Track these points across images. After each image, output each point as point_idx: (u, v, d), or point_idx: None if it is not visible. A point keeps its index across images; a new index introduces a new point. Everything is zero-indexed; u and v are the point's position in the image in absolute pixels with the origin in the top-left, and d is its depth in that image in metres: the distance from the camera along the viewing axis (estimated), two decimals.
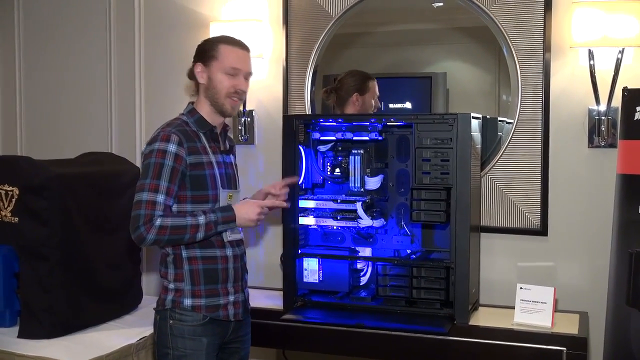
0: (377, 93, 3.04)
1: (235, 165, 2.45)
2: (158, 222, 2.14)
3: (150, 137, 2.25)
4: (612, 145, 2.71)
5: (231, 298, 2.32)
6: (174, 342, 2.24)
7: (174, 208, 2.23)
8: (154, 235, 2.14)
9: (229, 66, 2.29)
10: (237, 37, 2.37)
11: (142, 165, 2.23)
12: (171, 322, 2.25)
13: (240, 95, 2.33)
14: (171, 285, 2.27)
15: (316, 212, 2.75)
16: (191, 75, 2.36)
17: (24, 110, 3.78)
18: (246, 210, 2.29)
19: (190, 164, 2.22)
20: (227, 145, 2.41)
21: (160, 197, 2.16)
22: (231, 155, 2.42)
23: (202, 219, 2.20)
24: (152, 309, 2.37)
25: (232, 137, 2.52)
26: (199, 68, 2.31)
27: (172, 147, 2.19)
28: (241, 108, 3.18)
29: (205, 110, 2.32)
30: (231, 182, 2.37)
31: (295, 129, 2.70)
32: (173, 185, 2.19)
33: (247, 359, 2.49)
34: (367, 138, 2.70)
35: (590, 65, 2.67)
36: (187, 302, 2.25)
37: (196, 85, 2.36)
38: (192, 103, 2.36)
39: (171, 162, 2.18)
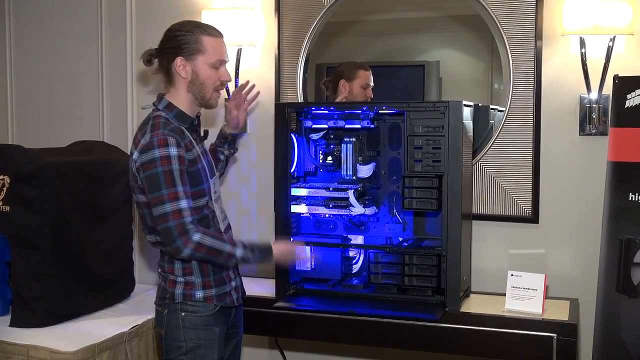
0: (370, 84, 3.04)
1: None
2: (196, 237, 2.11)
3: (143, 143, 2.14)
4: (603, 133, 2.72)
5: (233, 283, 2.34)
6: (186, 334, 2.23)
7: None
8: (190, 251, 2.11)
9: (216, 59, 2.24)
10: (212, 24, 2.32)
11: (146, 175, 2.12)
12: (183, 314, 2.23)
13: (224, 85, 2.32)
14: (180, 279, 2.24)
15: (308, 200, 2.75)
16: (166, 68, 2.25)
17: (15, 98, 3.76)
18: (283, 257, 2.41)
19: (188, 162, 2.18)
20: (202, 133, 2.38)
21: (184, 203, 2.11)
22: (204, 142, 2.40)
23: (239, 252, 2.20)
24: (154, 304, 2.33)
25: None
26: (180, 62, 2.21)
27: (173, 151, 2.12)
28: None
29: (183, 103, 2.25)
30: (212, 169, 2.35)
31: (287, 117, 2.70)
32: (187, 188, 2.15)
33: (241, 343, 2.51)
34: (359, 126, 2.70)
35: (581, 53, 2.67)
36: (199, 294, 2.24)
37: (167, 77, 2.26)
38: (163, 95, 2.27)
39: (178, 165, 2.12)
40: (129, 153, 2.25)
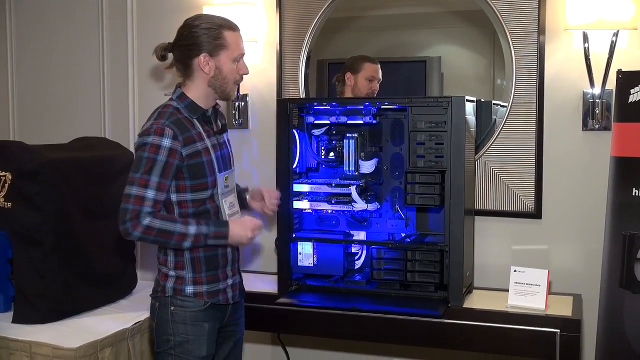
0: (376, 76, 3.04)
1: (229, 141, 2.42)
2: (146, 221, 2.11)
3: (143, 128, 2.19)
4: (606, 128, 2.71)
5: (229, 281, 2.33)
6: (175, 328, 2.23)
7: (173, 198, 2.20)
8: (139, 233, 2.12)
9: (238, 54, 2.26)
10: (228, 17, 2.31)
11: (135, 156, 2.18)
12: (172, 308, 2.23)
13: (242, 78, 2.33)
14: (171, 272, 2.25)
15: (310, 196, 2.74)
16: (186, 63, 2.25)
17: (17, 94, 3.76)
18: (241, 229, 2.24)
19: (187, 155, 2.17)
20: (220, 125, 2.37)
21: (150, 193, 2.12)
22: (224, 134, 2.39)
23: (192, 229, 2.15)
24: (149, 296, 2.34)
25: (223, 114, 2.47)
26: (204, 59, 2.21)
27: (166, 142, 2.13)
28: None
29: (197, 94, 2.26)
30: (227, 162, 2.34)
31: (289, 113, 2.69)
32: (165, 180, 2.15)
33: (242, 342, 2.50)
34: (361, 122, 2.70)
35: (584, 47, 2.66)
36: (189, 289, 2.24)
37: (185, 71, 2.26)
38: (180, 85, 2.29)
39: (164, 157, 2.13)
40: (130, 147, 2.25)
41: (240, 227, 2.25)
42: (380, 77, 3.05)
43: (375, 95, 3.03)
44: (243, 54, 2.29)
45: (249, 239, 2.27)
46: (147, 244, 2.25)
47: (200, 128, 2.25)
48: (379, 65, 3.05)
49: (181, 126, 2.18)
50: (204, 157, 2.23)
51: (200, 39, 2.21)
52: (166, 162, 2.14)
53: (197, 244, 2.19)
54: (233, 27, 2.27)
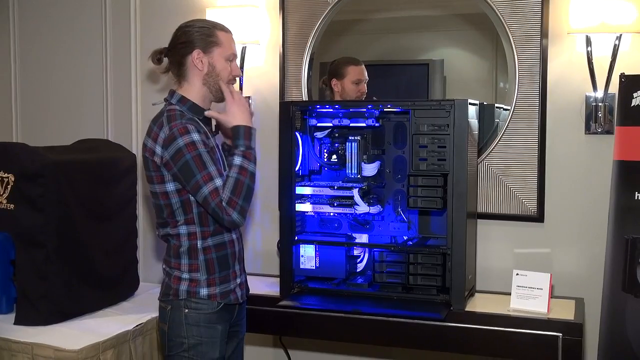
0: (362, 78, 3.03)
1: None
2: (225, 200, 2.12)
3: (165, 135, 2.16)
4: (609, 132, 2.71)
5: (238, 280, 2.34)
6: (189, 330, 2.24)
7: (190, 197, 2.20)
8: (235, 213, 2.12)
9: (230, 53, 2.30)
10: (223, 22, 2.37)
11: (178, 167, 2.14)
12: (186, 311, 2.24)
13: (235, 80, 2.37)
14: (185, 275, 2.25)
15: (313, 199, 2.74)
16: (180, 63, 2.27)
17: (20, 96, 3.76)
18: (239, 110, 2.24)
19: (209, 149, 2.20)
20: (213, 128, 2.39)
21: (218, 181, 2.13)
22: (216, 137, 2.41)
23: (238, 160, 2.17)
24: (157, 300, 2.33)
25: None
26: (197, 55, 2.24)
27: (195, 136, 2.14)
28: None
29: (195, 96, 2.28)
30: (224, 164, 2.35)
31: (292, 116, 2.69)
32: (219, 165, 2.18)
33: (244, 340, 2.51)
34: (364, 124, 2.70)
35: (587, 51, 2.66)
36: (203, 291, 2.24)
37: (180, 72, 2.29)
38: (175, 90, 2.30)
39: (203, 148, 2.14)
40: (133, 149, 2.23)
41: (237, 110, 2.24)
42: (367, 78, 3.05)
43: (365, 96, 3.03)
44: (235, 55, 2.34)
45: (248, 110, 2.28)
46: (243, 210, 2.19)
47: (205, 128, 2.27)
48: (364, 66, 3.05)
49: (194, 123, 2.21)
50: (217, 155, 2.26)
51: (193, 36, 2.26)
52: (206, 151, 2.15)
53: (253, 158, 2.21)
54: (225, 30, 2.32)
